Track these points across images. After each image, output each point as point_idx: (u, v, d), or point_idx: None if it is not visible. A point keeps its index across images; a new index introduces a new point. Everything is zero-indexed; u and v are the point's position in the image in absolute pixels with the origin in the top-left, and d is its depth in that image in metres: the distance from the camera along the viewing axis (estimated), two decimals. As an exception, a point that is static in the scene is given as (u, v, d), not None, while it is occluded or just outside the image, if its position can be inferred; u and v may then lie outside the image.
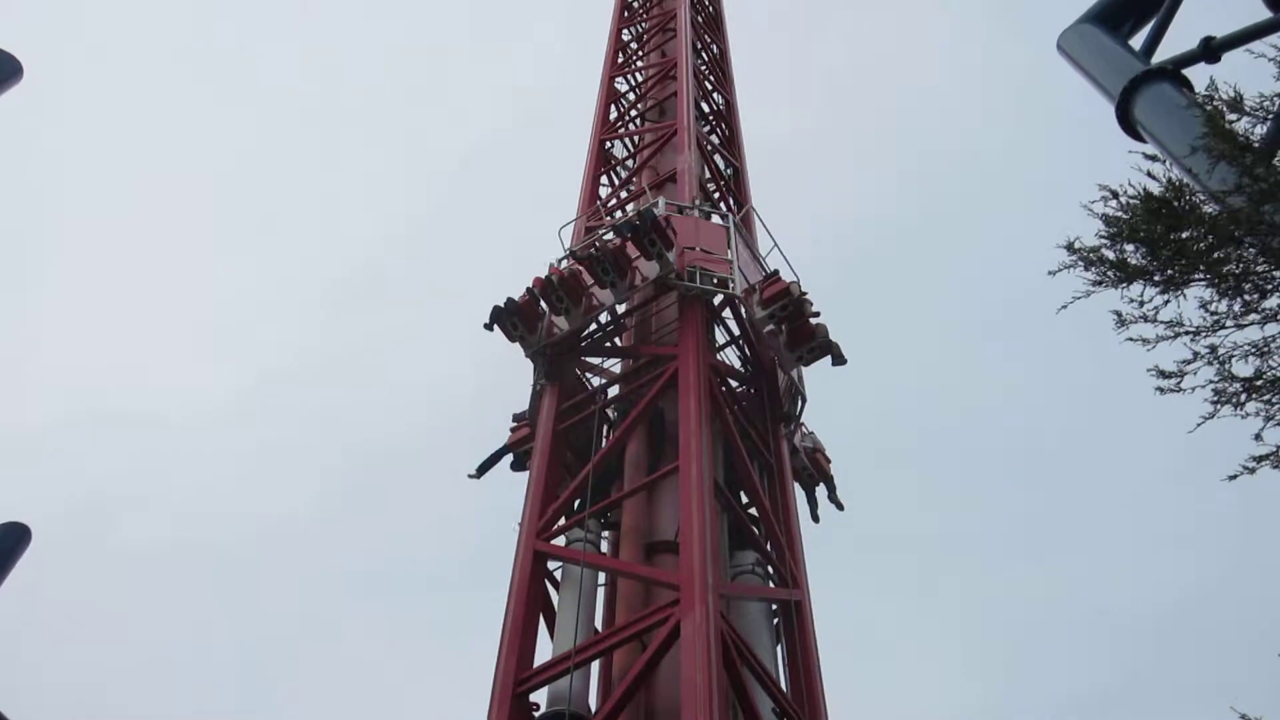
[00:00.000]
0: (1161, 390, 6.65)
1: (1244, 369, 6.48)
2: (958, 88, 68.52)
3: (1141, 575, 45.53)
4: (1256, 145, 6.58)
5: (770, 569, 13.84)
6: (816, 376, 15.62)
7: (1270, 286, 6.28)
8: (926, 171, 65.79)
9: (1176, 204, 6.58)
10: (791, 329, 14.84)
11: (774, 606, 13.56)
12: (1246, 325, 6.42)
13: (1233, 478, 6.43)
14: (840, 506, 16.40)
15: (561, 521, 13.57)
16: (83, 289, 70.80)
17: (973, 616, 47.35)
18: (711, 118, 23.44)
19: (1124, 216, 6.88)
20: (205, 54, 77.23)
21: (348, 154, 76.65)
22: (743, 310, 15.41)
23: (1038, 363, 54.88)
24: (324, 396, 64.83)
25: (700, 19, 26.96)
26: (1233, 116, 6.88)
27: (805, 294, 14.84)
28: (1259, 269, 6.29)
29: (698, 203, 17.34)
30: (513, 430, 16.19)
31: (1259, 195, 6.15)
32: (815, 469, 16.29)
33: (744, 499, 14.56)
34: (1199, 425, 6.55)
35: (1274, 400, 6.28)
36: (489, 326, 15.00)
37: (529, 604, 12.44)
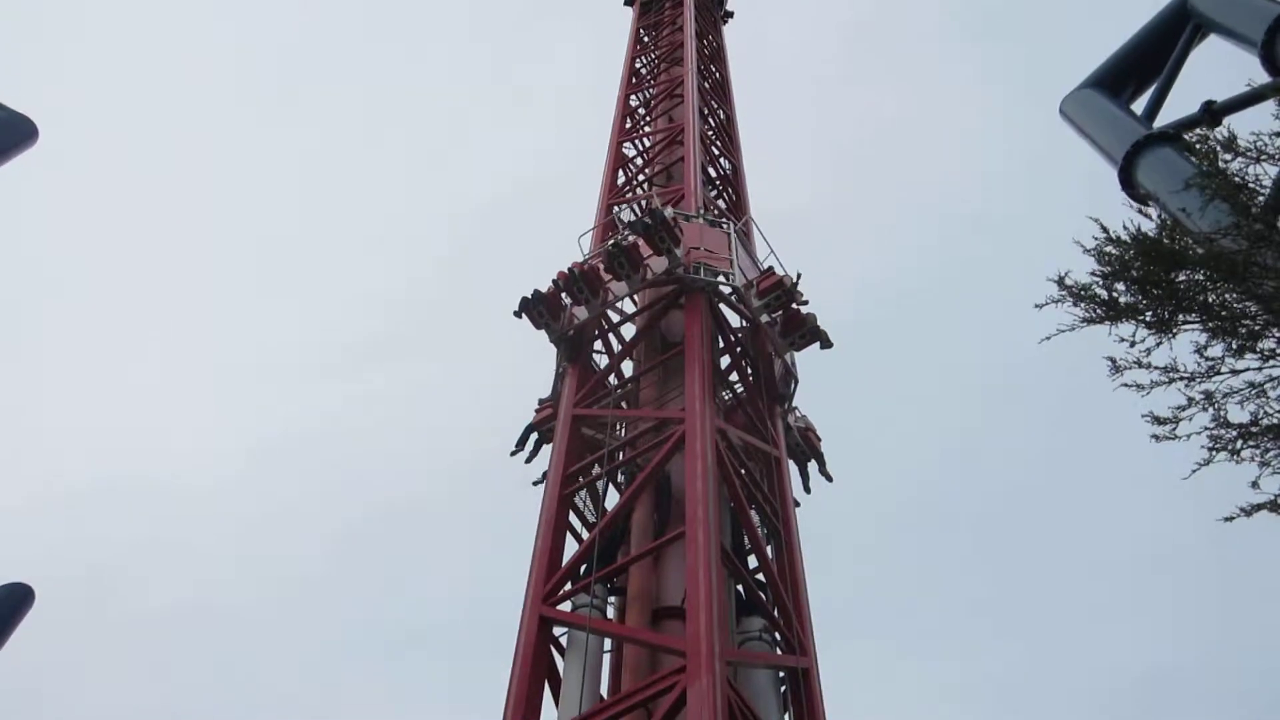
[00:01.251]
0: (1157, 437, 6.62)
1: (1240, 415, 6.46)
2: (969, 153, 68.89)
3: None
4: (1249, 185, 6.62)
5: (778, 635, 13.74)
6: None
7: (1261, 328, 6.27)
8: (944, 235, 65.98)
9: (1170, 244, 6.60)
10: (785, 318, 16.80)
11: (782, 674, 13.44)
12: (1242, 371, 6.41)
13: (1229, 519, 6.39)
14: (829, 478, 17.76)
15: (568, 586, 13.49)
16: (88, 347, 71.00)
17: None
18: (718, 182, 23.62)
19: (1115, 253, 6.89)
20: (217, 111, 78.21)
21: (359, 208, 77.30)
22: (742, 303, 17.05)
23: (1035, 426, 54.53)
24: (329, 457, 64.79)
25: (707, 85, 27.29)
26: (1227, 156, 6.92)
27: (796, 286, 16.71)
28: (1252, 311, 6.29)
29: (702, 213, 18.91)
30: (537, 411, 17.78)
31: (1254, 237, 6.18)
32: (807, 446, 17.67)
33: (751, 564, 14.50)
34: (1194, 472, 6.51)
35: (1270, 447, 6.25)
36: (518, 314, 16.96)
37: (534, 669, 12.32)
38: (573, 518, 14.98)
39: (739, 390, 17.38)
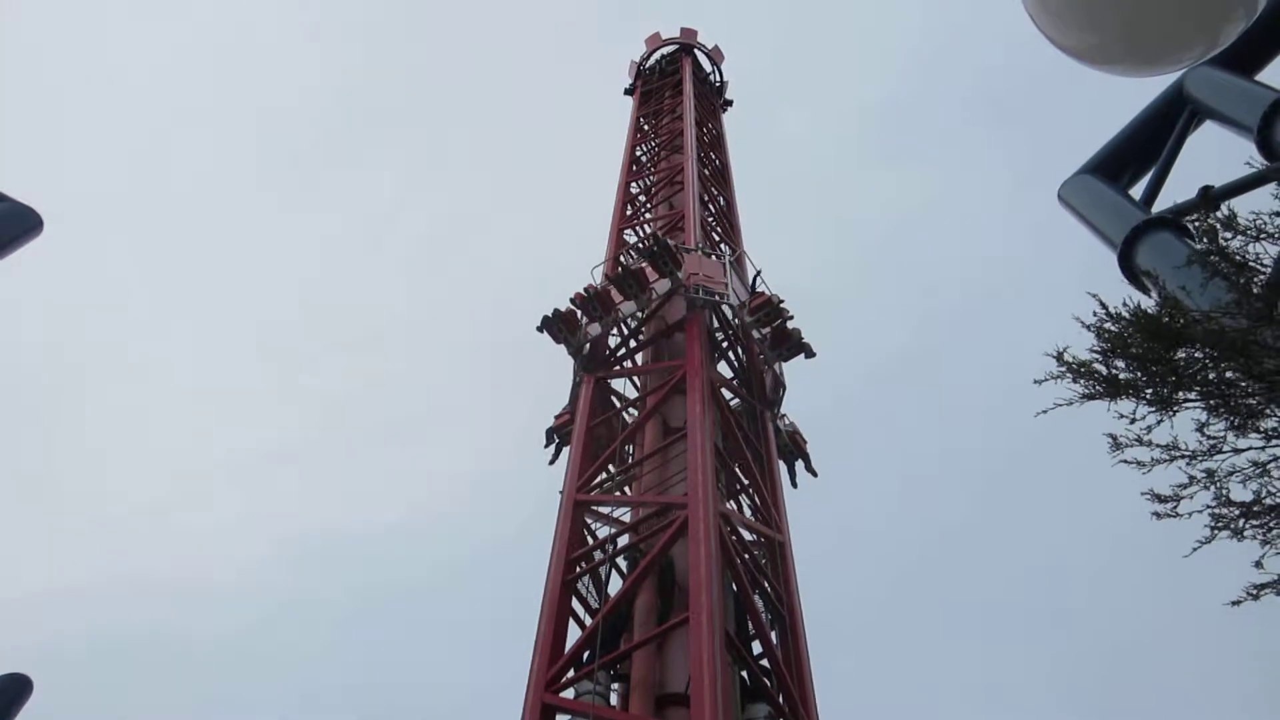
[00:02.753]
0: (1158, 515, 6.58)
1: (1242, 494, 6.43)
2: (979, 234, 69.51)
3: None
4: (1250, 263, 6.65)
5: (783, 723, 13.56)
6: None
7: (1261, 405, 6.27)
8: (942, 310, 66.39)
9: (1170, 322, 6.62)
10: (774, 332, 18.73)
11: (788, 762, 13.26)
12: (1245, 450, 6.39)
13: (1236, 603, 6.33)
14: (814, 474, 19.56)
15: (571, 673, 13.36)
16: (117, 428, 70.97)
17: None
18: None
19: (1114, 330, 6.91)
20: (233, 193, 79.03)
21: (384, 289, 77.74)
22: (735, 320, 19.41)
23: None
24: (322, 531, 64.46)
25: (707, 171, 27.58)
26: (1227, 234, 6.97)
27: (783, 304, 18.79)
28: (1249, 389, 6.29)
29: (700, 245, 21.12)
30: (556, 418, 19.61)
31: (1255, 314, 6.21)
32: (795, 447, 19.52)
33: (755, 649, 14.36)
34: (1195, 550, 6.47)
35: (1273, 526, 6.22)
36: (540, 329, 19.02)
37: (537, 759, 12.18)
38: (576, 604, 14.85)
39: (735, 401, 18.90)
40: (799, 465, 19.50)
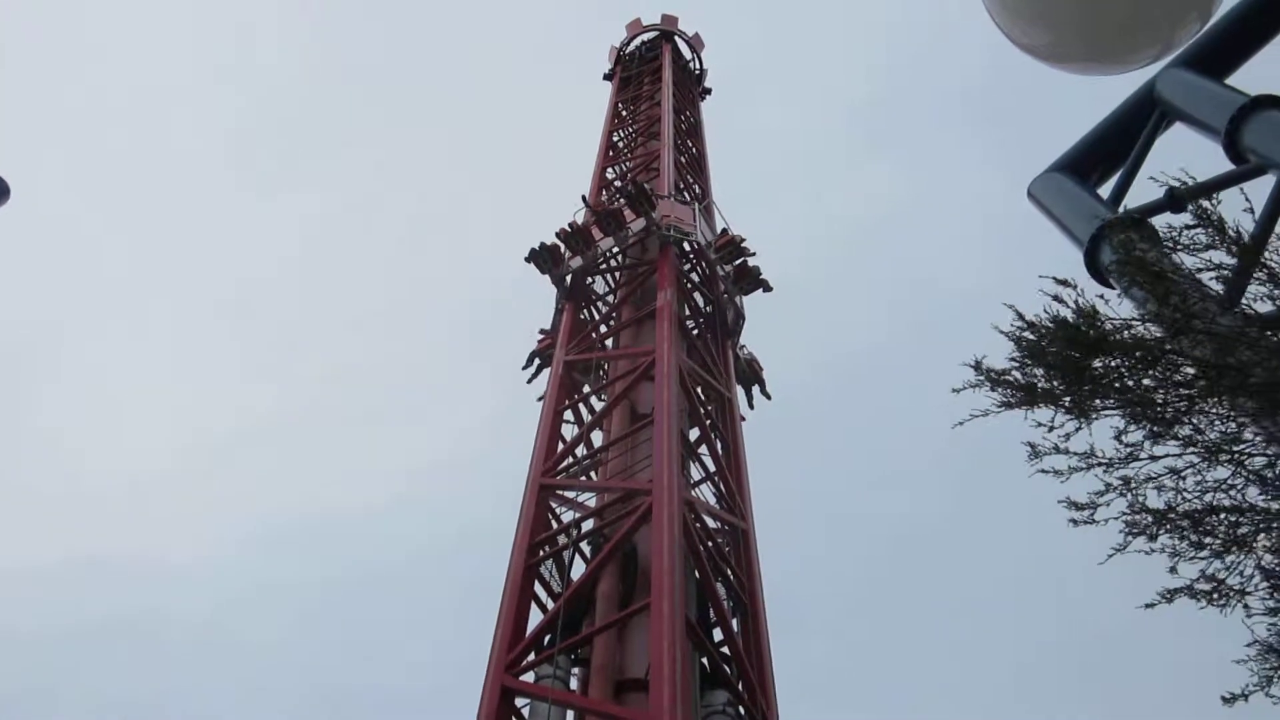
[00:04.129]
0: (1075, 522, 6.61)
1: (1158, 501, 6.47)
2: (961, 230, 69.63)
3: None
4: (1168, 274, 6.69)
5: (742, 709, 13.63)
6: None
7: (1175, 415, 6.31)
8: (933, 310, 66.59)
9: (1086, 330, 6.65)
10: (736, 269, 20.95)
11: (745, 748, 13.34)
12: (1161, 457, 6.43)
13: (1149, 606, 6.38)
14: (769, 397, 21.44)
15: (531, 656, 13.39)
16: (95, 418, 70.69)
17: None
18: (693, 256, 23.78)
19: (1031, 338, 6.93)
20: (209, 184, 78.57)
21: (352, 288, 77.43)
22: (701, 263, 21.50)
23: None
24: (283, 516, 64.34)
25: (684, 159, 27.52)
26: (1144, 246, 7.03)
27: (745, 243, 21.04)
28: (1166, 398, 6.33)
29: (671, 194, 22.65)
30: (539, 341, 21.18)
31: (1174, 324, 6.25)
32: (752, 373, 21.38)
33: (716, 636, 14.42)
34: (1110, 557, 6.50)
35: (1186, 532, 6.27)
36: (528, 260, 20.70)
37: (495, 741, 12.21)
38: (538, 588, 14.88)
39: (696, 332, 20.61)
40: (755, 391, 21.33)
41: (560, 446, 16.97)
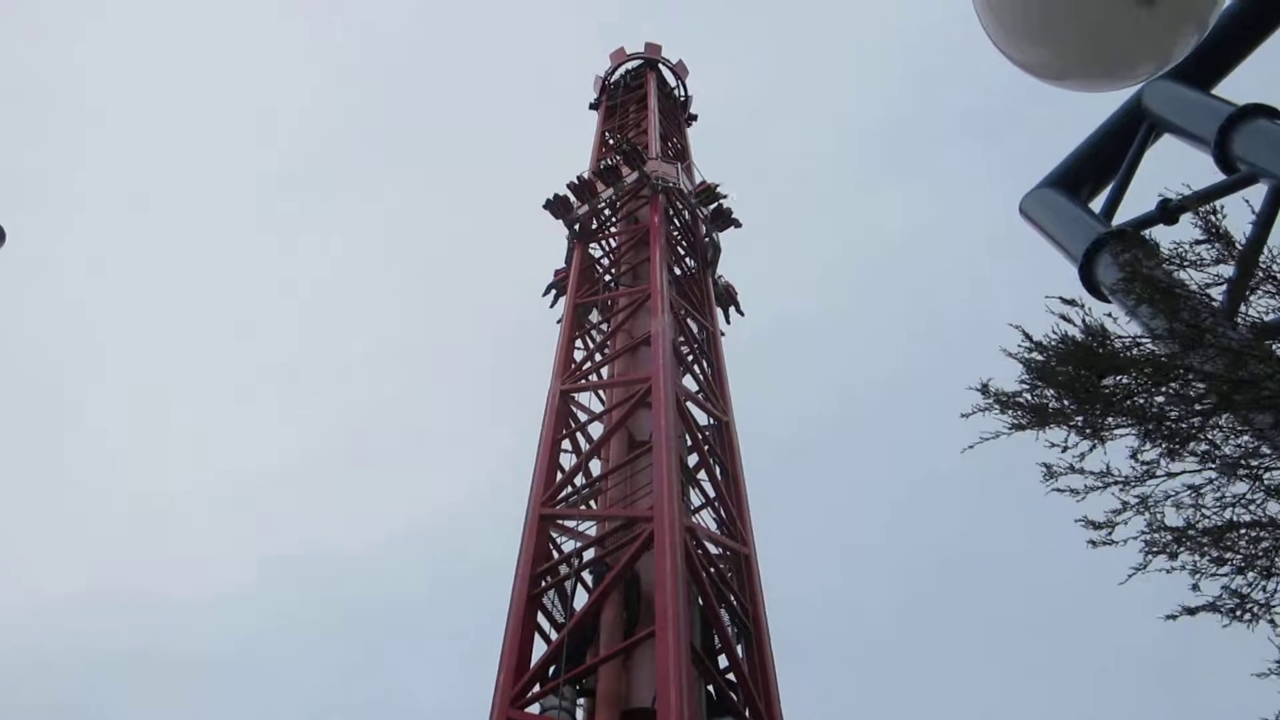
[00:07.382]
0: (1094, 543, 6.54)
1: (1176, 519, 6.40)
2: (975, 254, 69.69)
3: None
4: (1176, 290, 6.66)
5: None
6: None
7: (1190, 430, 6.26)
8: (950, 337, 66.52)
9: (1096, 349, 6.60)
10: (713, 212, 25.74)
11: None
12: (1179, 474, 6.36)
13: (1171, 617, 6.31)
14: (742, 314, 25.68)
15: (536, 688, 13.29)
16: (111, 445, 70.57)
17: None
18: (683, 280, 23.79)
19: (1040, 360, 6.88)
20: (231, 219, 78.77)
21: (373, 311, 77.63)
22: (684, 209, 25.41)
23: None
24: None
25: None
26: (1149, 263, 6.99)
27: (718, 187, 26.20)
28: (1175, 415, 6.28)
29: (658, 155, 26.82)
30: (556, 274, 24.95)
31: (1186, 340, 6.20)
32: (728, 296, 25.42)
33: (722, 664, 14.32)
34: (1130, 577, 6.43)
35: (1207, 548, 6.20)
36: (545, 207, 25.29)
37: (502, 776, 12.11)
38: (541, 619, 14.78)
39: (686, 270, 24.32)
40: (732, 311, 25.27)
41: (559, 476, 16.91)
